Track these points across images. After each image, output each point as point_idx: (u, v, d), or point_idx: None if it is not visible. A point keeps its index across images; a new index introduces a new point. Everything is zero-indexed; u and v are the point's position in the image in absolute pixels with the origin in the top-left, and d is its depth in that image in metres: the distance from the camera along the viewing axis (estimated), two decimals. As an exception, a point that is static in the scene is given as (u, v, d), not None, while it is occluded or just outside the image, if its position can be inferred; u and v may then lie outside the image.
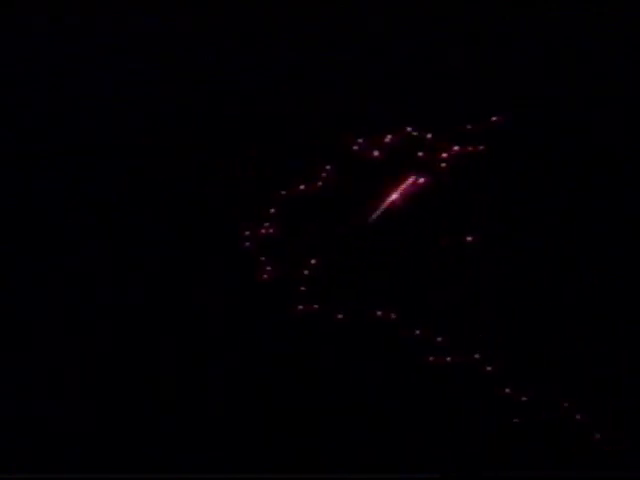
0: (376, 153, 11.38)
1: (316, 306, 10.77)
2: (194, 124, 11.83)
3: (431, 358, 10.41)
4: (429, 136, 11.37)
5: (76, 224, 11.31)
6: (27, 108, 11.96)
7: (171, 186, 11.49)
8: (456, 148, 11.26)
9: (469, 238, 10.86)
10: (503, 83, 11.75)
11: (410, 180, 11.25)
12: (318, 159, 11.45)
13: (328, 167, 11.42)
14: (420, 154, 11.32)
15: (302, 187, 11.36)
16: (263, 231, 11.21)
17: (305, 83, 11.91)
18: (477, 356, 10.37)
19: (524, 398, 10.20)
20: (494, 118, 11.41)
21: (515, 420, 10.09)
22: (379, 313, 10.67)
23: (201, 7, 12.41)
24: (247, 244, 11.15)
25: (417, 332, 10.55)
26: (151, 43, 12.17)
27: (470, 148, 11.28)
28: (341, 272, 10.99)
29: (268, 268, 11.02)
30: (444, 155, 11.28)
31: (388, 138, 11.42)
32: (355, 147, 11.46)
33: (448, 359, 10.38)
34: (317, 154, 11.46)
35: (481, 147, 11.27)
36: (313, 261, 10.99)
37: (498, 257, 10.81)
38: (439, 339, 10.48)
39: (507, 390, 10.22)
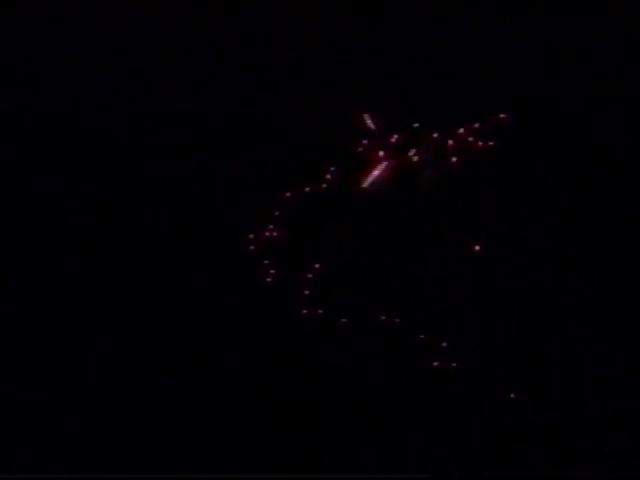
0: (381, 153, 11.36)
1: (320, 311, 10.75)
2: (194, 124, 11.83)
3: (435, 363, 10.39)
4: (435, 135, 11.35)
5: (76, 224, 11.31)
6: (27, 108, 11.96)
7: (171, 186, 11.49)
8: (468, 141, 11.21)
9: (477, 247, 10.83)
10: (505, 83, 11.75)
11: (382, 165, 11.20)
12: (322, 160, 11.42)
13: (332, 168, 11.40)
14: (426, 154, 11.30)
15: (307, 189, 11.33)
16: (267, 234, 11.19)
17: (306, 83, 11.90)
18: (481, 359, 10.36)
19: (526, 399, 10.20)
20: (502, 115, 11.38)
21: (519, 422, 10.09)
22: (383, 317, 10.66)
23: (201, 7, 12.41)
24: (251, 248, 11.12)
25: (421, 336, 10.53)
26: (151, 43, 12.17)
27: (480, 144, 11.24)
28: (345, 276, 10.97)
29: (272, 271, 11.00)
30: (451, 154, 11.26)
31: (394, 138, 11.40)
32: (360, 148, 11.44)
33: (453, 364, 10.37)
34: (321, 155, 11.44)
35: (491, 143, 11.24)
36: (317, 265, 10.97)
37: (504, 261, 10.80)
38: (444, 344, 10.46)
39: (510, 392, 10.21)
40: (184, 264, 11.07)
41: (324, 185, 11.33)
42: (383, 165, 11.16)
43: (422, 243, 10.96)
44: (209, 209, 11.38)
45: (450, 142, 11.26)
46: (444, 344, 10.44)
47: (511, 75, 11.83)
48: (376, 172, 11.13)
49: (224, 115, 11.87)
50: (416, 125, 11.39)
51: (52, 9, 12.39)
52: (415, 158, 11.20)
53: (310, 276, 10.91)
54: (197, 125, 11.83)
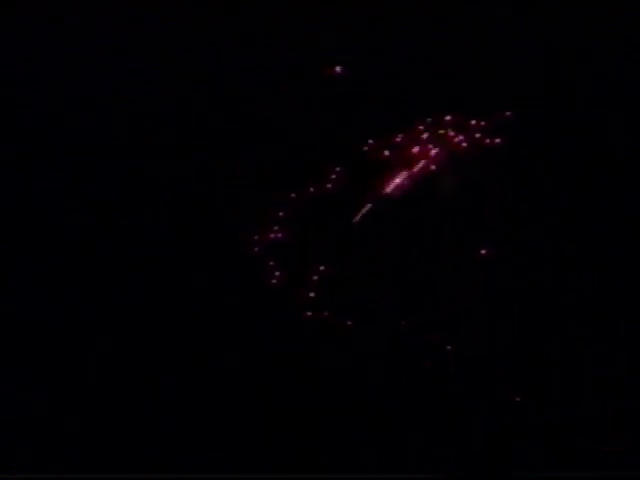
0: (387, 153, 11.33)
1: (325, 313, 10.73)
2: (194, 124, 11.83)
3: (438, 363, 10.39)
4: (442, 132, 11.33)
5: (76, 224, 11.31)
6: (27, 108, 11.97)
7: (171, 186, 11.49)
8: (476, 137, 11.19)
9: (482, 251, 10.82)
10: (505, 83, 11.75)
11: (403, 175, 11.20)
12: (325, 160, 11.40)
13: (338, 169, 11.38)
14: (435, 152, 11.27)
15: (311, 189, 11.31)
16: (271, 235, 11.17)
17: (306, 83, 11.91)
18: (482, 359, 10.36)
19: (526, 399, 10.20)
20: (508, 113, 11.36)
21: (519, 422, 10.09)
22: (388, 319, 10.64)
23: (201, 7, 12.41)
24: (256, 249, 11.11)
25: (425, 338, 10.52)
26: (151, 43, 12.18)
27: (487, 141, 11.23)
28: (350, 278, 10.94)
29: (277, 273, 10.98)
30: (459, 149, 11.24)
31: (399, 137, 11.38)
32: (365, 147, 11.41)
33: (454, 364, 10.36)
34: (323, 155, 11.42)
35: (497, 140, 11.23)
36: (322, 267, 10.94)
37: (505, 261, 10.80)
38: (448, 347, 10.46)
39: (511, 392, 10.21)
40: (184, 264, 11.07)
41: (329, 185, 11.29)
42: (405, 173, 11.17)
43: (430, 245, 10.95)
44: (209, 209, 11.38)
45: (461, 137, 11.24)
46: (448, 346, 10.43)
47: (511, 75, 11.83)
48: (398, 180, 11.14)
49: (224, 115, 11.87)
50: (442, 132, 11.38)
51: (52, 9, 12.40)
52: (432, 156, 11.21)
53: (315, 278, 10.89)
54: (197, 125, 11.84)
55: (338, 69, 11.05)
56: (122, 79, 12.09)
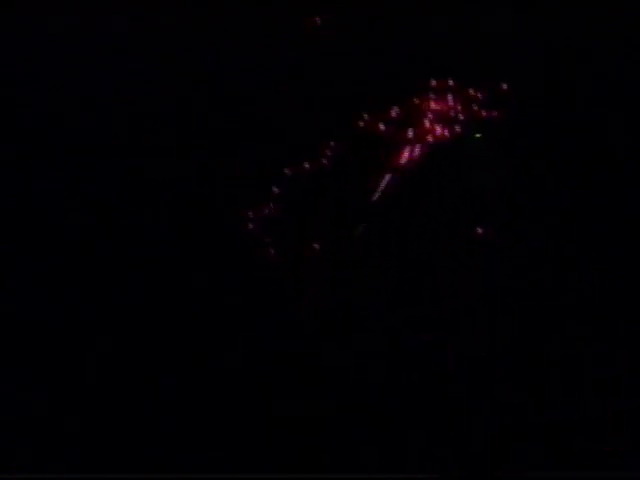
0: (382, 127, 11.26)
1: (322, 304, 10.73)
2: (194, 124, 11.85)
3: (436, 359, 10.40)
4: (437, 107, 11.30)
5: (76, 224, 11.32)
6: (27, 108, 11.98)
7: (171, 186, 11.50)
8: (473, 109, 11.14)
9: (479, 230, 10.77)
10: (505, 82, 11.75)
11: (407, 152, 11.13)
12: (322, 136, 11.32)
13: (332, 144, 11.33)
14: (429, 126, 11.22)
15: (306, 166, 11.25)
16: (267, 212, 11.12)
17: (306, 83, 11.92)
18: (483, 359, 10.36)
19: (526, 399, 10.20)
20: (504, 86, 11.30)
21: (519, 422, 10.08)
22: (386, 314, 10.65)
23: (201, 7, 12.43)
24: (250, 226, 11.08)
25: (424, 334, 10.52)
26: (151, 43, 12.19)
27: (484, 113, 11.18)
28: (348, 270, 10.92)
29: (272, 251, 10.95)
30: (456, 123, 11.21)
31: (395, 111, 11.34)
32: (360, 122, 11.35)
33: (454, 364, 10.37)
34: (321, 130, 11.35)
35: (494, 113, 11.19)
36: (316, 245, 10.87)
37: (505, 259, 10.80)
38: (447, 342, 10.45)
39: (511, 392, 10.21)
40: (184, 264, 11.07)
41: (324, 161, 11.19)
42: (415, 147, 11.07)
43: (430, 238, 10.93)
44: (209, 209, 11.38)
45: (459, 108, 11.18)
46: (447, 342, 10.43)
47: (511, 74, 11.84)
48: (409, 152, 11.02)
49: (224, 115, 11.88)
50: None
51: (52, 9, 12.41)
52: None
53: (310, 257, 10.84)
54: (197, 125, 11.85)
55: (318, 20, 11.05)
56: (122, 79, 12.10)
